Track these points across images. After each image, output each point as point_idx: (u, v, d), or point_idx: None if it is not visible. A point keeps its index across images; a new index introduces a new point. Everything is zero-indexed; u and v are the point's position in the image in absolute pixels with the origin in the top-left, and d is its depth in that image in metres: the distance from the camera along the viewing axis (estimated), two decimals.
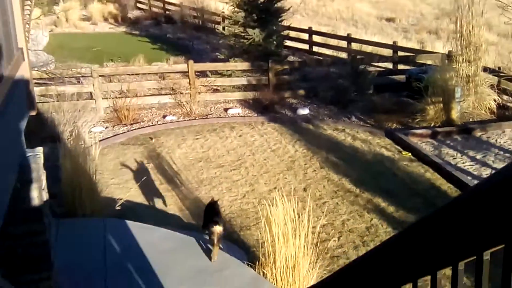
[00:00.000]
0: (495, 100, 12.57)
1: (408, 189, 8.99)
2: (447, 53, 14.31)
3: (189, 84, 13.53)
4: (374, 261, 2.13)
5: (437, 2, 26.86)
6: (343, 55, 17.87)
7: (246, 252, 6.93)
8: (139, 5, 31.96)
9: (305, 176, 9.51)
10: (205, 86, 14.10)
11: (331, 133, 11.60)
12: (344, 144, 11.00)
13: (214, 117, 12.85)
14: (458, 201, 1.70)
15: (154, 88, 14.41)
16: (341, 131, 11.68)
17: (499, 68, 13.52)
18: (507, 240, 1.40)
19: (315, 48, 19.47)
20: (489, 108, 12.55)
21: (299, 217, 6.46)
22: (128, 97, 12.77)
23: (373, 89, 14.10)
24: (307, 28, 19.91)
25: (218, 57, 15.56)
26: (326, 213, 8.12)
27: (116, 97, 13.06)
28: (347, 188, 9.01)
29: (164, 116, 12.84)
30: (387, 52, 17.23)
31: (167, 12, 28.92)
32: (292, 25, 18.79)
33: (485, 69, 13.17)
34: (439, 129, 11.45)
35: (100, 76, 13.43)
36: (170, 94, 13.69)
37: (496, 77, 13.07)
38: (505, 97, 12.70)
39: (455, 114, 11.84)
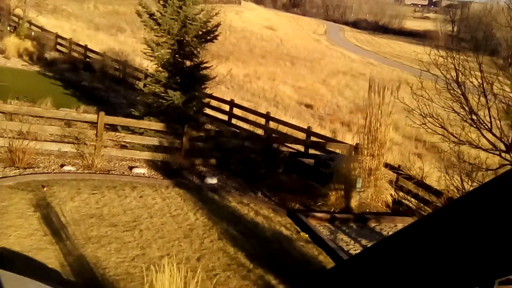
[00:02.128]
0: (391, 195, 13.20)
1: (301, 269, 9.09)
2: (354, 145, 14.99)
3: (96, 136, 13.25)
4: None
5: (353, 97, 28.41)
6: (260, 131, 18.32)
7: None
8: (59, 47, 31.50)
9: (201, 245, 9.42)
10: (113, 140, 13.86)
11: (235, 205, 11.66)
12: (246, 218, 11.06)
13: (116, 174, 12.57)
14: None
15: (56, 135, 13.97)
16: (245, 205, 11.77)
17: (399, 166, 14.29)
18: None
19: (233, 121, 19.84)
20: (385, 201, 13.15)
21: (185, 286, 6.36)
22: (27, 139, 12.30)
23: (283, 168, 14.46)
24: (229, 100, 20.35)
25: (133, 113, 15.29)
26: (215, 285, 8.04)
27: (14, 137, 12.57)
28: (241, 262, 8.99)
29: (62, 165, 12.43)
30: (301, 135, 17.83)
31: (87, 59, 28.60)
32: (214, 94, 19.12)
33: (386, 165, 13.89)
34: (337, 215, 11.80)
35: (0, 112, 12.91)
36: (73, 143, 13.30)
37: (396, 174, 13.79)
38: (401, 193, 13.37)
39: (354, 203, 12.30)
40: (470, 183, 9.88)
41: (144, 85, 16.04)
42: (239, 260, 9.05)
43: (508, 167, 9.53)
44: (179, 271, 6.57)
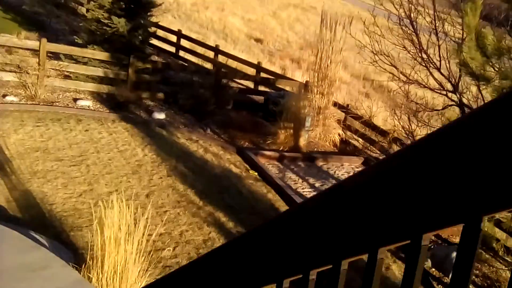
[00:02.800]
0: (339, 135, 13.35)
1: (250, 207, 9.18)
2: (304, 82, 14.94)
3: (38, 64, 12.62)
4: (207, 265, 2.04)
5: (303, 32, 28.13)
6: (208, 65, 17.95)
7: (74, 254, 6.58)
8: None
9: (150, 182, 9.33)
10: (56, 70, 13.28)
11: (184, 142, 11.53)
12: (196, 155, 10.99)
13: (60, 106, 12.10)
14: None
15: None
16: (194, 141, 11.66)
17: (348, 105, 14.41)
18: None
19: (181, 53, 19.31)
20: (333, 141, 13.30)
21: (135, 223, 6.30)
22: None
23: (232, 105, 14.33)
24: (176, 30, 19.69)
25: (76, 41, 14.51)
26: (166, 222, 8.00)
27: None
28: (191, 200, 8.98)
29: (4, 96, 11.87)
30: (251, 71, 17.61)
31: None
32: (161, 24, 18.50)
33: (335, 104, 13.96)
34: (286, 153, 11.89)
35: None
36: (15, 72, 12.68)
37: (344, 113, 13.91)
38: (348, 133, 13.54)
39: (302, 142, 12.40)
40: (416, 123, 10.05)
41: (87, 10, 15.25)
42: (189, 197, 9.04)
43: (454, 107, 9.75)
44: (128, 208, 6.47)
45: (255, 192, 9.84)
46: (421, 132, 10.17)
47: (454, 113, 10.51)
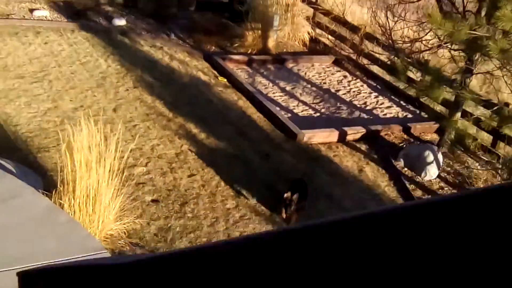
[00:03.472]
0: (308, 33, 12.94)
1: (221, 116, 9.02)
2: None
3: None
4: None
5: None
6: None
7: (43, 178, 6.41)
8: None
9: (116, 95, 9.03)
10: None
11: (148, 50, 11.08)
12: (161, 63, 10.60)
13: (16, 18, 11.35)
14: None
15: None
16: (158, 48, 11.21)
17: (316, 0, 13.91)
18: None
19: None
20: (302, 40, 12.90)
21: (106, 141, 6.12)
22: None
23: (195, 6, 13.71)
24: None
25: None
26: (136, 137, 7.81)
27: None
28: (160, 112, 8.76)
29: None
30: None
31: None
32: None
33: (303, 0, 13.43)
34: (255, 57, 11.55)
35: None
36: None
37: (313, 9, 13.44)
38: (318, 30, 13.12)
39: (271, 43, 12.00)
40: (392, 18, 9.76)
41: None
42: (158, 109, 8.82)
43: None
44: (97, 129, 6.26)
45: (225, 100, 9.64)
46: (396, 27, 9.92)
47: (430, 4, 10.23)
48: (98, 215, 5.64)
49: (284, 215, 6.55)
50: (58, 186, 5.73)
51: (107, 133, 6.61)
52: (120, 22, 12.15)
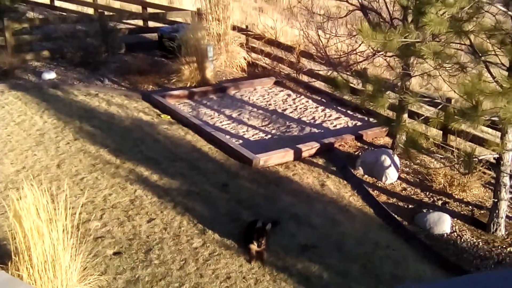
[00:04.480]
0: (245, 58, 12.93)
1: (171, 154, 8.70)
2: (196, 11, 14.19)
3: None
4: None
5: None
6: (90, 10, 16.70)
7: None
8: None
9: (57, 150, 8.57)
10: None
11: (83, 99, 10.67)
12: (99, 110, 10.21)
13: None
14: None
15: None
16: (94, 96, 10.82)
17: (247, 26, 13.91)
18: None
19: (57, 3, 17.77)
20: (240, 66, 12.87)
21: (53, 202, 5.70)
22: None
23: (125, 49, 13.43)
24: None
25: None
26: (85, 190, 7.44)
27: None
28: (107, 160, 8.36)
29: None
30: (136, 8, 16.60)
31: None
32: None
33: (234, 28, 13.42)
34: (195, 89, 11.35)
35: None
36: None
37: (245, 36, 13.43)
38: (253, 55, 13.12)
39: (209, 73, 11.86)
40: (324, 35, 9.80)
41: None
42: (104, 158, 8.41)
43: (357, 12, 9.55)
44: (42, 190, 5.82)
45: (172, 137, 9.32)
46: (330, 43, 9.95)
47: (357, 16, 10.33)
48: (60, 279, 5.21)
49: (255, 247, 6.29)
50: (13, 256, 5.27)
51: (54, 191, 6.23)
52: (50, 75, 11.74)
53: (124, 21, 15.32)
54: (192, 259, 6.28)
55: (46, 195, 5.82)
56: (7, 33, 12.25)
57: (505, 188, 7.04)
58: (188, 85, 11.59)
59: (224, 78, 12.33)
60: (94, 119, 9.75)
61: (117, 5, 17.28)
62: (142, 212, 7.09)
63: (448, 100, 8.84)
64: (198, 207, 7.24)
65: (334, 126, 10.11)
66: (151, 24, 15.32)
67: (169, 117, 10.02)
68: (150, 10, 15.78)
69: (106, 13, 14.88)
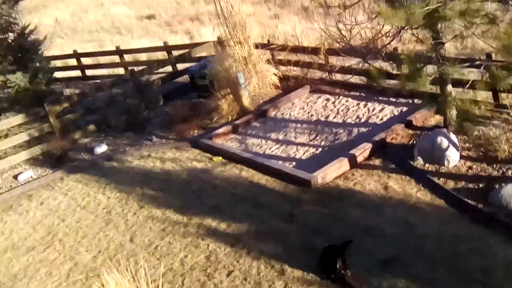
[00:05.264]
0: (275, 74, 12.84)
1: (232, 196, 8.82)
2: (217, 39, 14.28)
3: None
4: None
5: None
6: (120, 71, 17.16)
7: None
8: None
9: (126, 224, 8.86)
10: None
11: (138, 163, 10.95)
12: (155, 171, 10.46)
13: (4, 191, 11.31)
14: None
15: None
16: (147, 157, 11.10)
17: (268, 40, 13.88)
18: None
19: (88, 72, 18.35)
20: (273, 83, 12.78)
21: (134, 280, 5.93)
22: None
23: (162, 100, 13.71)
24: (72, 52, 18.59)
25: None
26: (161, 258, 7.66)
27: None
28: (174, 220, 8.57)
29: None
30: (162, 54, 16.90)
31: None
32: (55, 54, 17.38)
33: (257, 46, 13.34)
34: (237, 122, 11.41)
35: None
36: None
37: (269, 51, 13.36)
38: (282, 68, 13.01)
39: (246, 101, 11.89)
40: (345, 27, 9.58)
41: None
42: (171, 219, 8.64)
43: None
44: (122, 273, 6.05)
45: (229, 178, 9.44)
46: (352, 34, 9.72)
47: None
48: None
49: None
50: None
51: (132, 269, 6.46)
52: (101, 148, 12.13)
53: (155, 71, 15.62)
54: None
55: (127, 275, 6.07)
56: (51, 118, 12.64)
57: None
58: (229, 119, 11.70)
59: (261, 101, 12.35)
60: (153, 181, 10.01)
61: (143, 57, 17.66)
62: (219, 267, 7.22)
63: (489, 56, 8.54)
64: (271, 247, 7.29)
65: (380, 120, 9.96)
66: (180, 66, 15.53)
67: (220, 158, 10.16)
68: (175, 52, 16.00)
69: (136, 68, 15.21)
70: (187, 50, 15.58)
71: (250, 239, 7.58)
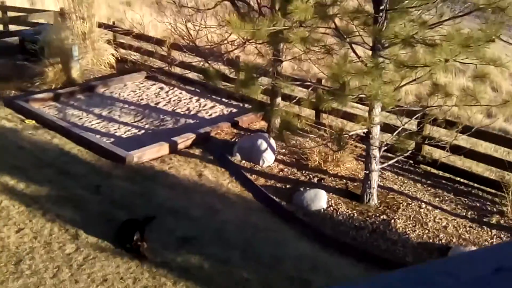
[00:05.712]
0: (113, 55, 12.52)
1: (37, 160, 8.18)
2: (59, 10, 13.52)
3: None
4: None
5: None
6: None
7: None
8: None
9: None
10: None
11: None
12: None
13: None
14: None
15: None
16: None
17: (114, 23, 13.46)
18: None
19: None
20: (108, 63, 12.46)
21: None
22: None
23: None
24: None
25: None
26: None
27: None
28: None
29: None
30: None
31: None
32: None
33: (100, 25, 12.94)
34: (61, 91, 10.80)
35: None
36: None
37: (112, 32, 12.99)
38: (122, 50, 12.72)
39: (75, 73, 11.35)
40: (194, 27, 9.65)
41: None
42: None
43: (226, 2, 9.46)
44: None
45: (38, 142, 8.78)
46: (200, 35, 9.81)
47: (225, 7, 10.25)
48: None
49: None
50: None
51: None
52: None
53: None
54: (65, 266, 5.94)
55: None
56: None
57: (375, 159, 7.31)
58: (53, 87, 11.02)
59: (92, 77, 11.84)
60: None
61: None
62: (10, 223, 6.61)
63: (319, 80, 9.06)
64: (69, 213, 6.85)
65: (209, 115, 10.05)
66: (13, 28, 14.38)
67: (34, 121, 9.44)
68: (10, 14, 14.84)
69: None
70: (24, 14, 14.55)
71: (49, 203, 7.06)
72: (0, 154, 8.30)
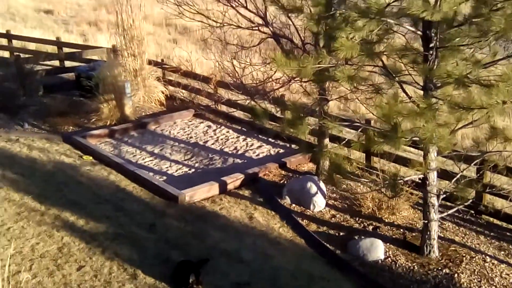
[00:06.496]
0: (163, 92, 13.06)
1: (95, 196, 8.66)
2: (112, 47, 14.22)
3: None
4: None
5: None
6: (6, 54, 16.38)
7: None
8: None
9: None
10: None
11: (3, 145, 10.37)
12: (21, 156, 9.99)
13: None
14: None
15: None
16: (15, 141, 10.58)
17: (162, 60, 14.08)
18: None
19: None
20: (158, 100, 12.99)
21: None
22: None
23: (43, 91, 13.25)
24: None
25: None
26: (12, 240, 7.29)
27: None
28: (31, 207, 8.21)
29: None
30: (52, 48, 16.41)
31: None
32: None
33: (150, 62, 13.55)
34: (115, 127, 11.35)
35: None
36: None
37: (161, 69, 13.58)
38: (171, 88, 13.29)
39: (128, 110, 11.91)
40: (239, 64, 9.99)
41: None
42: (28, 205, 8.26)
43: (269, 39, 9.79)
44: None
45: (95, 178, 9.28)
46: (245, 72, 10.14)
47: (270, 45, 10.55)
48: None
49: None
50: None
51: None
52: None
53: (41, 62, 15.07)
54: None
55: None
56: None
57: (433, 208, 7.03)
58: (108, 123, 11.59)
59: (143, 114, 12.39)
60: (16, 166, 9.55)
61: (32, 46, 17.00)
62: (71, 260, 7.02)
63: (368, 121, 8.78)
64: (127, 251, 7.20)
65: (257, 155, 10.39)
66: (68, 64, 15.16)
67: (91, 157, 9.98)
68: (66, 50, 15.65)
69: (22, 55, 14.58)
70: (79, 50, 15.30)
71: (107, 240, 7.47)
72: (60, 189, 8.83)
